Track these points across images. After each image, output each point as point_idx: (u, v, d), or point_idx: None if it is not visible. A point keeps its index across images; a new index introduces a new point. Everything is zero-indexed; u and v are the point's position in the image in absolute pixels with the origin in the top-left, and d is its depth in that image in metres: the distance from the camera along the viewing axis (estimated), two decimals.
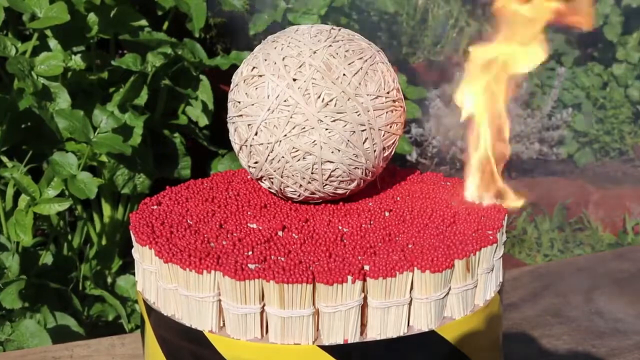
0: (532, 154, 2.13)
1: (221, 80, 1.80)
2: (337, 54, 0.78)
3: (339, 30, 0.81)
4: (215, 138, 1.73)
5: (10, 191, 1.16)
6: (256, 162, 0.80)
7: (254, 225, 0.78)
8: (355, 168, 0.78)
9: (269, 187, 0.82)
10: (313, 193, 0.80)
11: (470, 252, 0.71)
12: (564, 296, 1.15)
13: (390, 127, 0.79)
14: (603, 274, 1.21)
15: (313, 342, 0.68)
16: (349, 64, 0.77)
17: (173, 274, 0.71)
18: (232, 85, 0.82)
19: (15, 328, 1.07)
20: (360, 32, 0.85)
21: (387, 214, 0.80)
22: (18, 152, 1.36)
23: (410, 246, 0.73)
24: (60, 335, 1.13)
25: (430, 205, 0.81)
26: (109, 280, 1.37)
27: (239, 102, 0.79)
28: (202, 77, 1.64)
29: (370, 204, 0.83)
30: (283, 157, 0.77)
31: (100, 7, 1.44)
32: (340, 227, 0.77)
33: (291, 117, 0.76)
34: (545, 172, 2.15)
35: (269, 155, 0.78)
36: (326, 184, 0.79)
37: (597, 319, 1.08)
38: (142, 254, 0.76)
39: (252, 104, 0.78)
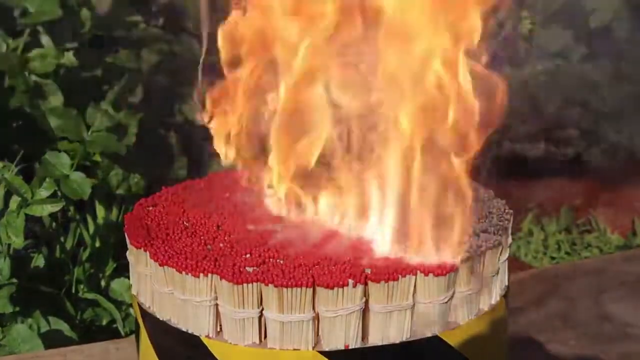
0: (538, 154, 2.12)
1: None
2: None
3: None
4: (212, 137, 1.71)
5: (0, 192, 1.14)
6: None
7: (252, 227, 0.76)
8: None
9: None
10: None
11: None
12: (571, 300, 1.14)
13: None
14: (612, 277, 1.20)
15: (313, 348, 0.67)
16: None
17: (169, 277, 0.70)
18: None
19: (6, 333, 1.06)
20: None
21: None
22: (9, 151, 1.35)
23: None
24: (52, 340, 1.12)
25: None
26: (103, 283, 1.36)
27: None
28: (198, 74, 1.62)
29: None
30: None
31: (93, 2, 1.43)
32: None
33: None
34: (552, 172, 2.13)
35: None
36: None
37: (605, 323, 1.07)
38: (136, 257, 0.74)
39: None
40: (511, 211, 0.78)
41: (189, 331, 0.69)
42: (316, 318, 0.67)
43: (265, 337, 0.68)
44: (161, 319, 0.72)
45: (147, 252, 0.72)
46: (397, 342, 0.67)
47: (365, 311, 0.67)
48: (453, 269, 0.68)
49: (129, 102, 1.40)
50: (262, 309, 0.67)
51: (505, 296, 0.75)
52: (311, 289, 0.66)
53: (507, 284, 0.76)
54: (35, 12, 1.27)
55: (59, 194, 1.12)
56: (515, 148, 2.05)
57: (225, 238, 0.74)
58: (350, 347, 0.67)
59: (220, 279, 0.67)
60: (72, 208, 1.34)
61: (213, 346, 0.68)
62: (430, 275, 0.67)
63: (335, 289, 0.65)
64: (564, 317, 1.09)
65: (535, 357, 0.99)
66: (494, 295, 0.73)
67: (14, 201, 1.09)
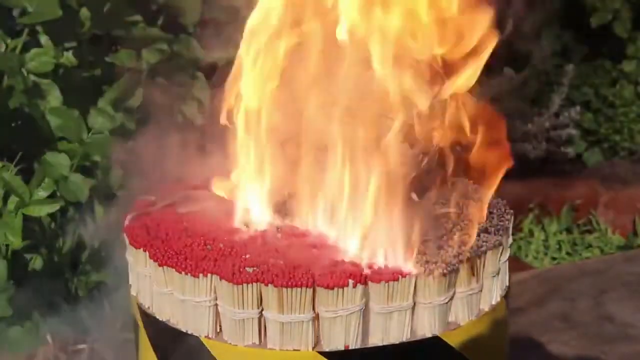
0: (539, 154, 2.12)
1: None
2: None
3: None
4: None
5: None
6: None
7: (252, 227, 0.76)
8: None
9: None
10: None
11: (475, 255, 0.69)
12: (572, 300, 1.13)
13: None
14: (612, 277, 1.20)
15: (313, 348, 0.66)
16: None
17: (168, 277, 0.70)
18: None
19: (4, 334, 1.05)
20: None
21: None
22: (8, 151, 1.34)
23: None
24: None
25: None
26: None
27: None
28: (198, 73, 1.62)
29: None
30: None
31: (92, 1, 1.42)
32: None
33: None
34: (553, 172, 2.13)
35: None
36: None
37: (606, 324, 1.06)
38: (135, 257, 0.74)
39: None
40: (511, 211, 0.77)
41: (189, 331, 0.69)
42: (316, 318, 0.66)
43: (265, 337, 0.67)
44: (161, 319, 0.71)
45: (147, 252, 0.72)
46: (397, 342, 0.67)
47: (365, 312, 0.66)
48: (453, 269, 0.68)
49: (127, 104, 1.39)
50: (262, 309, 0.66)
51: (505, 296, 0.75)
52: (311, 289, 0.65)
53: (507, 284, 0.75)
54: (35, 12, 1.26)
55: (58, 194, 1.12)
56: (515, 148, 2.05)
57: (225, 238, 0.73)
58: (350, 348, 0.66)
59: (220, 279, 0.66)
60: (71, 208, 1.33)
61: (213, 346, 0.68)
62: (431, 275, 0.67)
63: (335, 289, 0.65)
64: (564, 318, 1.09)
65: (535, 358, 0.99)
66: (495, 295, 0.73)
67: (12, 201, 1.08)
